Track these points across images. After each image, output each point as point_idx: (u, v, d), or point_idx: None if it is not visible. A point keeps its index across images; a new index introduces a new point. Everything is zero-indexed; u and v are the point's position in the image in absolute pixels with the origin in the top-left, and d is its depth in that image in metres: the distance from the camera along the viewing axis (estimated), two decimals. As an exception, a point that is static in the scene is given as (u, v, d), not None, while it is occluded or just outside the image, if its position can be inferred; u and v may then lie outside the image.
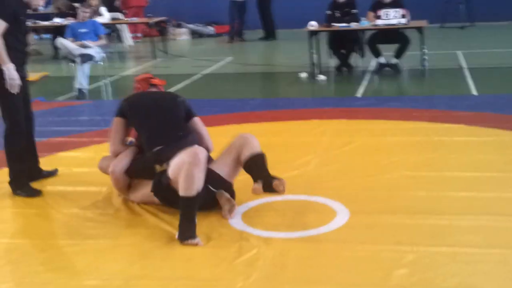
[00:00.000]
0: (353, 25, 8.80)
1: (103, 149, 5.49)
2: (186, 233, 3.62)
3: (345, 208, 4.02)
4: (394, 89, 8.47)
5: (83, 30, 8.92)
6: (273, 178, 3.86)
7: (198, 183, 3.69)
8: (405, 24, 8.66)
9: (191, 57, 12.27)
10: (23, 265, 3.51)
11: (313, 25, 9.01)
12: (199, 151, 3.77)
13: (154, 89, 4.45)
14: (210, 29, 15.60)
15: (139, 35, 14.91)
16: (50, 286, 3.24)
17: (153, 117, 4.20)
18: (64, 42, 8.76)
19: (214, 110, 7.11)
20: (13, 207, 4.40)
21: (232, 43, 14.04)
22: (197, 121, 4.33)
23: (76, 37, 8.82)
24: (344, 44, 9.31)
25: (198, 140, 4.22)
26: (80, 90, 8.44)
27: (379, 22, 8.72)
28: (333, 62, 9.40)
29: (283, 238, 3.65)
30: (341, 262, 3.34)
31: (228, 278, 3.21)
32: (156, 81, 4.48)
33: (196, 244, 3.58)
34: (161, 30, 13.29)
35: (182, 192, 3.68)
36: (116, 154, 4.28)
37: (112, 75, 9.85)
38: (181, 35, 15.32)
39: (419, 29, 8.71)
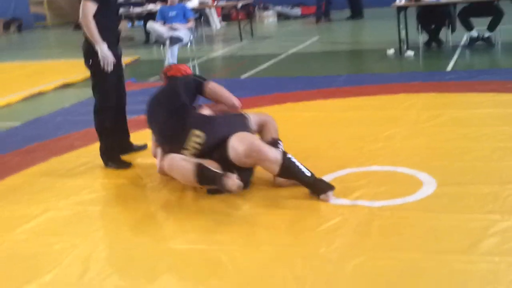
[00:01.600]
0: (443, -1, 8.52)
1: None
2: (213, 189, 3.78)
3: (432, 179, 3.91)
4: (487, 62, 8.12)
5: (172, 14, 9.13)
6: None
7: (185, 166, 3.79)
8: (498, -5, 8.29)
9: (278, 38, 12.29)
10: (114, 231, 3.66)
11: (401, 0, 8.79)
12: (167, 159, 3.89)
13: (173, 82, 4.35)
14: (297, 11, 15.54)
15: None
16: (139, 249, 3.35)
17: (155, 119, 4.24)
18: (154, 25, 9.00)
19: (300, 86, 7.10)
20: (105, 177, 4.58)
21: (319, 23, 13.92)
22: (211, 86, 4.29)
23: (165, 20, 9.04)
24: (433, 19, 9.01)
25: (219, 102, 4.30)
26: (169, 71, 8.63)
27: (471, -6, 8.39)
28: (422, 37, 9.13)
29: (367, 206, 3.59)
30: (427, 231, 3.25)
31: (311, 244, 3.21)
32: (172, 72, 4.43)
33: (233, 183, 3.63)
34: (248, 13, 13.38)
35: (191, 184, 3.85)
36: (155, 145, 4.42)
37: (200, 57, 10.03)
38: (268, 18, 15.35)
39: (515, 1, 8.31)
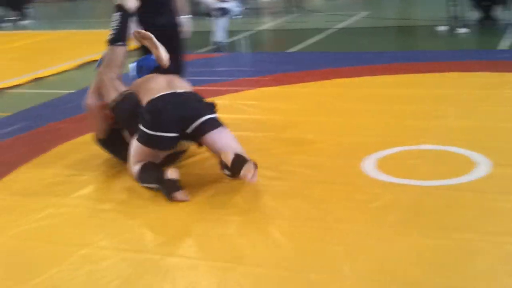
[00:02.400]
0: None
1: (238, 97, 5.68)
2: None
3: (487, 159, 3.83)
4: (543, 42, 7.90)
5: (221, -15, 9.10)
6: None
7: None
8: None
9: (326, 12, 12.16)
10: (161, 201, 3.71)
11: (455, -25, 8.59)
12: None
13: None
14: (346, -16, 15.30)
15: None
16: (192, 216, 3.41)
17: None
18: (203, -4, 8.99)
19: (348, 62, 7.04)
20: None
21: (368, -2, 13.73)
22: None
23: (214, -9, 9.03)
24: (488, -5, 8.80)
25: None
26: (217, 43, 8.65)
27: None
28: (475, 15, 8.91)
29: (418, 186, 3.56)
30: (481, 212, 3.21)
31: (362, 221, 3.20)
32: None
33: None
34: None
35: None
36: None
37: (248, 29, 10.01)
38: (317, -9, 15.18)
39: None
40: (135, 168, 3.85)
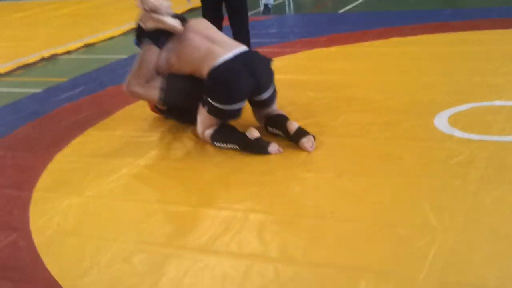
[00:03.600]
0: None
1: (296, 58, 5.62)
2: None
3: None
4: None
5: None
6: None
7: None
8: None
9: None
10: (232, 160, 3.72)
11: None
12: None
13: None
14: None
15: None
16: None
17: None
18: (249, -41, 8.87)
19: (403, 21, 6.88)
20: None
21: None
22: None
23: (260, -46, 8.90)
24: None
25: None
26: (266, 6, 8.56)
27: None
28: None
29: (498, 141, 3.49)
30: None
31: (444, 176, 3.15)
32: None
33: None
34: None
35: None
36: None
37: (293, -8, 9.86)
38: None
39: None
40: (207, 132, 3.86)
